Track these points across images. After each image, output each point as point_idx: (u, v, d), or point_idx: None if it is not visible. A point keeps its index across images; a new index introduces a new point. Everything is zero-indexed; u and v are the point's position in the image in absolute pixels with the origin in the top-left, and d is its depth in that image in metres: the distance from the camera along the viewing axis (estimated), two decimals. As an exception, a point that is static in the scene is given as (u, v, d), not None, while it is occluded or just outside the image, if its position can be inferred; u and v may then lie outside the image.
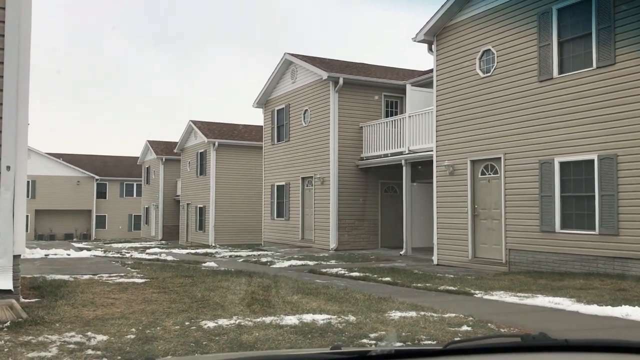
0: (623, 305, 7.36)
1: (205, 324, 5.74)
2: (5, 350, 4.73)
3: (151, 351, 4.76)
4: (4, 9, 6.24)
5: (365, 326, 5.86)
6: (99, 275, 9.97)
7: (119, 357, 4.62)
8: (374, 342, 5.25)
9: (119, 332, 5.39)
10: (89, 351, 4.79)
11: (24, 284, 7.55)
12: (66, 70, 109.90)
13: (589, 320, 6.89)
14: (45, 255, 14.58)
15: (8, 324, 5.51)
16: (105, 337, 5.20)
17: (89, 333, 5.34)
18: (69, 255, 15.05)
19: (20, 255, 6.46)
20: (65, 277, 9.50)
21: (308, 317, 6.14)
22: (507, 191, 13.10)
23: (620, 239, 10.71)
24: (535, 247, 12.35)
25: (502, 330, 6.00)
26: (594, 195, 11.20)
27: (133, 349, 4.85)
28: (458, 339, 1.45)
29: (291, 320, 5.99)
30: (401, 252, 17.65)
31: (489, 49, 13.63)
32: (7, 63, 6.19)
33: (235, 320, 5.95)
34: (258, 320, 6.01)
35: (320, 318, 6.13)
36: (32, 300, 6.89)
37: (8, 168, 6.15)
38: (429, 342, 5.32)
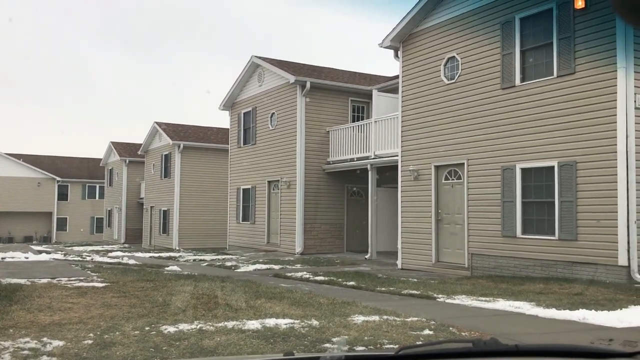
0: (580, 309, 7.52)
1: (165, 329, 5.65)
2: (-45, 357, 4.57)
3: (109, 357, 4.66)
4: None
5: (328, 330, 5.85)
6: (57, 279, 9.73)
7: (75, 363, 4.50)
8: (336, 346, 5.25)
9: (76, 338, 5.26)
10: (44, 357, 4.67)
11: (-23, 288, 7.31)
12: (28, 69, 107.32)
13: (548, 323, 7.02)
14: (2, 258, 14.17)
15: (-41, 329, 5.33)
16: (61, 343, 5.07)
17: (45, 338, 5.20)
18: (27, 258, 14.66)
19: (-27, 258, 6.26)
20: (22, 281, 9.24)
21: (271, 322, 6.10)
22: (470, 196, 13.29)
23: (579, 244, 10.97)
24: (497, 252, 12.55)
25: (463, 334, 6.07)
26: (554, 201, 11.44)
27: (90, 354, 4.74)
28: (410, 344, 1.44)
29: (254, 324, 5.95)
30: (366, 256, 17.73)
31: (454, 56, 13.82)
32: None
33: (197, 325, 5.87)
34: (220, 324, 5.94)
35: (283, 322, 6.10)
36: (-15, 305, 6.68)
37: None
38: (391, 346, 5.34)
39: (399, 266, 14.98)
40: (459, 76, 13.66)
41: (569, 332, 6.48)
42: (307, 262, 16.46)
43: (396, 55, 15.66)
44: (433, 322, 6.51)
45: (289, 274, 12.69)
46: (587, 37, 11.00)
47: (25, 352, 4.79)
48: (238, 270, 14.30)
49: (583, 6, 10.92)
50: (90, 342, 5.13)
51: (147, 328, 5.69)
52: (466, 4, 13.54)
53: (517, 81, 12.32)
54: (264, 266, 15.03)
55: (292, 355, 1.48)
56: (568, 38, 11.29)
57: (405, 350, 1.43)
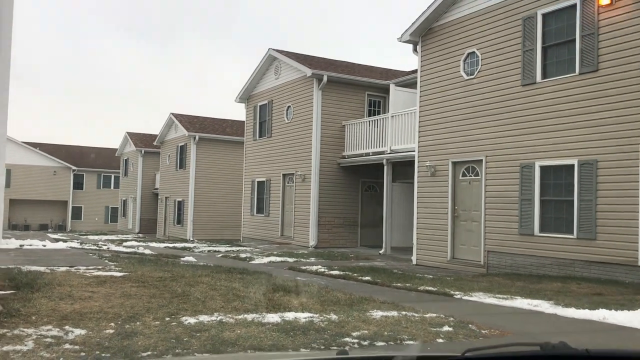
0: (600, 309, 7.45)
1: (186, 320, 5.66)
2: (-20, 343, 4.61)
3: (130, 347, 4.68)
4: (-14, -8, 6.08)
5: (348, 325, 5.83)
6: (75, 267, 9.79)
7: (97, 352, 4.52)
8: (356, 340, 5.24)
9: (98, 327, 5.28)
10: (67, 345, 4.69)
11: (-1, 275, 7.38)
12: (45, 59, 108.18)
13: (568, 323, 6.96)
14: (20, 245, 14.29)
15: (-17, 316, 5.38)
16: (83, 332, 5.09)
17: (67, 327, 5.23)
18: (44, 246, 14.78)
19: (-4, 245, 6.31)
20: (42, 268, 9.31)
21: (290, 315, 6.09)
22: (488, 193, 13.20)
23: (598, 244, 10.86)
24: (514, 250, 12.47)
25: (483, 331, 6.02)
26: (573, 200, 11.33)
27: (112, 344, 4.75)
28: (475, 346, 1.40)
29: (273, 318, 5.94)
30: (380, 251, 17.70)
31: (474, 52, 13.70)
32: (-12, 48, 6.03)
33: (217, 317, 5.88)
34: (239, 317, 5.94)
35: (303, 316, 6.09)
36: (7, 292, 6.73)
37: (-14, 156, 5.99)
38: (411, 342, 5.32)
39: (414, 262, 14.94)
40: (478, 72, 13.55)
41: (591, 332, 6.42)
42: (321, 255, 16.46)
43: (415, 50, 15.56)
44: (452, 319, 6.47)
45: (304, 267, 12.69)
46: (611, 33, 10.85)
47: (48, 340, 4.82)
48: (253, 262, 14.33)
49: (608, 2, 10.76)
50: (111, 331, 5.15)
51: (167, 319, 5.71)
52: (488, -2, 13.40)
53: (538, 78, 12.18)
54: (278, 259, 15.05)
55: (346, 354, 1.45)
56: (592, 35, 11.14)
57: (471, 352, 1.40)
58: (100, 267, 10.03)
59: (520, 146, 12.46)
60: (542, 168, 12.03)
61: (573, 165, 11.39)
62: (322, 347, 4.99)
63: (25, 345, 4.63)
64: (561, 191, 11.67)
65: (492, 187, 13.12)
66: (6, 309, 5.70)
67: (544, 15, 12.16)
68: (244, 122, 26.23)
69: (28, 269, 9.13)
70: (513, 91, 12.70)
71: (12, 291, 6.80)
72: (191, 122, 31.34)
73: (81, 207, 50.23)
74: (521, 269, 12.19)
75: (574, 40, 11.51)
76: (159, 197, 35.28)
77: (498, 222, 12.90)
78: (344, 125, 20.40)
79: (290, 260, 14.80)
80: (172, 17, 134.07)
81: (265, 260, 14.68)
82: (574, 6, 11.51)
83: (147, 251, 16.41)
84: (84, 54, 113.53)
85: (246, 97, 24.94)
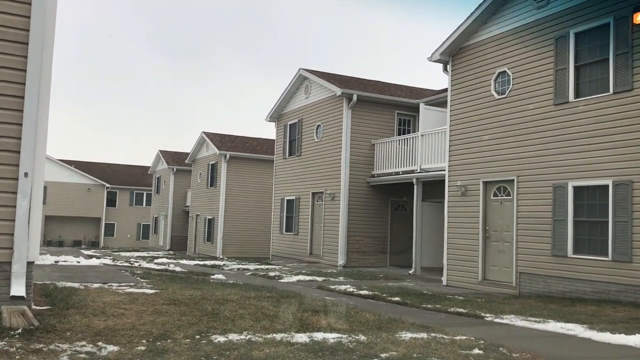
0: (637, 334, 7.27)
1: (215, 338, 5.72)
2: (17, 357, 4.73)
3: (162, 364, 4.74)
4: (28, 17, 6.32)
5: (376, 346, 5.81)
6: (109, 284, 9.98)
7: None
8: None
9: (130, 343, 5.37)
10: (100, 361, 4.78)
11: (35, 291, 7.56)
12: (79, 77, 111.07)
13: (602, 348, 6.81)
14: (55, 261, 14.62)
15: (20, 330, 5.51)
16: (116, 348, 5.18)
17: (100, 343, 5.32)
18: (78, 262, 15.08)
19: (33, 261, 6.48)
20: (76, 284, 9.52)
21: (319, 335, 6.10)
22: (520, 214, 13.02)
23: (634, 266, 10.60)
24: (546, 272, 12.25)
25: (514, 355, 5.93)
26: (608, 221, 11.10)
27: (144, 361, 4.83)
28: None
29: (302, 337, 5.96)
30: (410, 272, 17.56)
31: (505, 71, 13.64)
32: (30, 70, 6.25)
33: (246, 336, 5.92)
34: (268, 336, 5.98)
35: (331, 336, 6.09)
36: (43, 307, 6.89)
37: (26, 175, 6.18)
38: (441, 365, 5.26)
39: (444, 283, 14.77)
40: (510, 91, 13.46)
41: (627, 357, 6.26)
42: (350, 275, 16.41)
43: (445, 69, 15.56)
44: (482, 342, 6.39)
45: (333, 287, 12.66)
46: (646, 53, 10.69)
47: (82, 355, 4.92)
48: (281, 280, 14.36)
49: (642, 21, 10.63)
50: (143, 348, 5.23)
51: (197, 337, 5.78)
52: (519, 18, 13.36)
53: (571, 97, 12.05)
54: (307, 277, 15.06)
55: None
56: (626, 54, 10.99)
57: None
58: (132, 284, 10.19)
59: (552, 166, 12.30)
60: (576, 188, 11.84)
61: (607, 186, 11.18)
62: (351, 368, 4.98)
63: (60, 361, 4.73)
64: (595, 212, 11.46)
65: (524, 207, 12.94)
66: (42, 324, 5.83)
67: (577, 35, 12.06)
68: (274, 140, 26.47)
69: (63, 285, 9.35)
70: (545, 110, 12.57)
71: (48, 307, 6.96)
72: (222, 141, 31.75)
73: (114, 223, 51.11)
74: (554, 292, 11.96)
75: (608, 59, 11.38)
76: (190, 215, 35.68)
77: (530, 243, 12.70)
78: (374, 143, 20.43)
79: (319, 279, 14.79)
80: (203, 36, 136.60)
81: (294, 278, 14.70)
82: (607, 25, 11.40)
83: (178, 269, 16.59)
84: (116, 72, 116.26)
85: (276, 116, 25.20)
